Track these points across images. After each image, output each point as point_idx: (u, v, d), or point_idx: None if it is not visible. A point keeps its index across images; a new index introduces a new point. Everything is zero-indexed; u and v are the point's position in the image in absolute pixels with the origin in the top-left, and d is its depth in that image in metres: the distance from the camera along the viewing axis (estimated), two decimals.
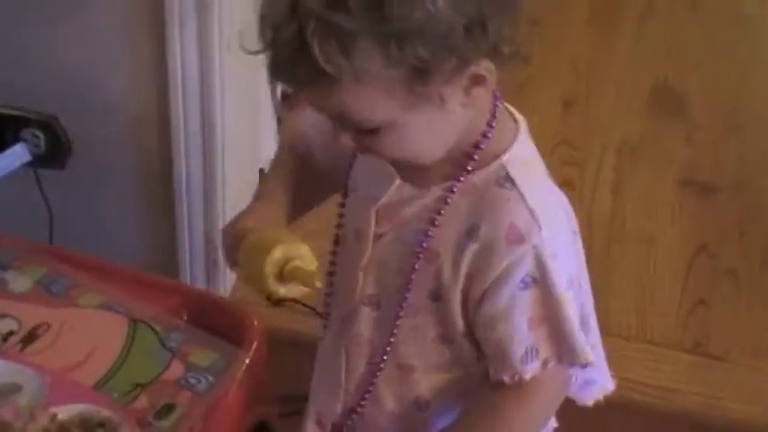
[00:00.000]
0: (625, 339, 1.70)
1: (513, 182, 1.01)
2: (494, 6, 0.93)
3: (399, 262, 1.07)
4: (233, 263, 1.09)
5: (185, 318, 1.27)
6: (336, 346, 1.13)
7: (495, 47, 0.94)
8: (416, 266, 1.04)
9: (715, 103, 2.24)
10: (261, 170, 1.94)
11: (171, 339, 1.22)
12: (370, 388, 1.11)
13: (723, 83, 2.29)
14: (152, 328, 1.23)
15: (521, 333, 1.03)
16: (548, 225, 1.01)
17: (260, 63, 1.89)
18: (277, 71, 0.93)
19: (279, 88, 2.02)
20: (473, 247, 1.01)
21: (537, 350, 1.03)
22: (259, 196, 1.15)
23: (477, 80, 0.95)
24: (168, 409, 1.15)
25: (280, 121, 2.00)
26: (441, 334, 1.07)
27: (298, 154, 1.14)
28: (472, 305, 1.04)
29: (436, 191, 1.03)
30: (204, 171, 1.60)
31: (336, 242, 1.13)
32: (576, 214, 1.07)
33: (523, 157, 1.04)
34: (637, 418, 1.61)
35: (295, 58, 0.88)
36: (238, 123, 1.64)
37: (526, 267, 1.01)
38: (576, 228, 1.09)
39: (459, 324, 1.06)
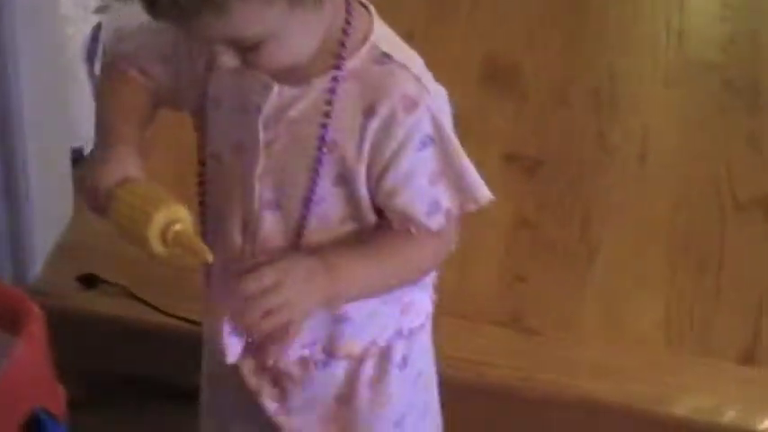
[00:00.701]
0: (441, 313, 1.73)
1: (389, 56, 1.08)
2: None
3: (299, 160, 1.11)
4: (101, 213, 1.08)
5: None
6: (242, 255, 1.15)
7: None
8: (321, 160, 1.09)
9: (545, 76, 2.24)
10: (76, 150, 1.91)
11: None
12: None
13: (554, 55, 2.28)
14: None
15: (422, 190, 1.09)
16: (431, 86, 1.09)
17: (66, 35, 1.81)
18: (161, 13, 0.97)
19: (97, 63, 1.98)
20: (374, 125, 1.07)
21: (438, 203, 1.10)
22: (111, 139, 1.14)
23: None
24: None
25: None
26: (348, 214, 1.13)
27: (136, 84, 1.15)
28: (375, 177, 1.09)
29: (318, 84, 1.08)
30: (4, 159, 1.57)
31: (203, 163, 1.16)
32: None
33: (387, 35, 1.10)
34: (450, 392, 1.64)
35: None
36: (42, 105, 1.61)
37: (423, 129, 1.07)
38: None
39: (366, 200, 1.11)
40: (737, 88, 2.21)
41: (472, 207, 1.13)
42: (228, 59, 1.02)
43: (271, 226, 1.14)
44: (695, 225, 1.96)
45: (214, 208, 1.17)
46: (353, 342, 1.21)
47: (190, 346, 1.59)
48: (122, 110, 1.15)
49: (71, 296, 1.69)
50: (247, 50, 1.02)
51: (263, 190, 1.13)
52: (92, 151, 1.87)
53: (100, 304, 1.71)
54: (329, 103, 1.08)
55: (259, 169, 1.12)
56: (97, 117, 1.20)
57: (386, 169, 1.09)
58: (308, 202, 1.12)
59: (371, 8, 1.12)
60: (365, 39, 1.09)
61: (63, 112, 1.73)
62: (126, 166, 1.09)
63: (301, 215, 1.13)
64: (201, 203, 1.17)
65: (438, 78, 1.15)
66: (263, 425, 1.27)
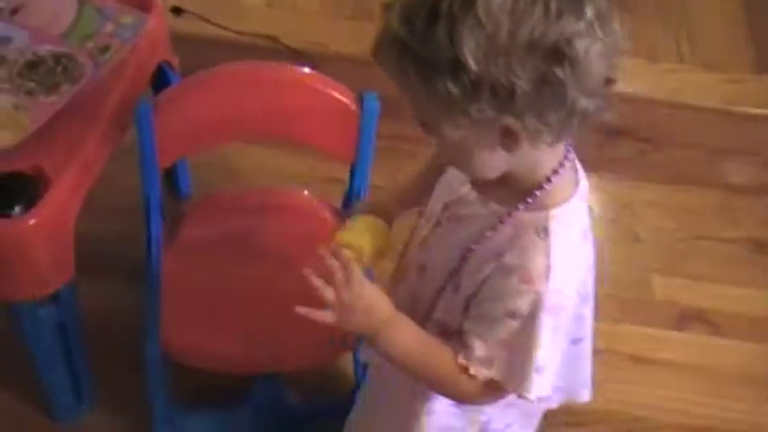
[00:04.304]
0: None
1: (548, 235, 1.04)
2: (529, 90, 0.94)
3: (444, 250, 1.14)
4: None
5: None
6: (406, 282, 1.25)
7: (520, 115, 0.95)
8: (461, 266, 1.12)
9: None
10: None
11: (105, 9, 1.75)
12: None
13: None
14: (92, 5, 1.76)
15: (489, 342, 1.09)
16: (558, 283, 1.04)
17: None
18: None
19: None
20: (493, 266, 1.07)
21: (492, 363, 1.09)
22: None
23: (508, 133, 0.98)
24: (106, 48, 1.68)
25: None
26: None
27: None
28: (470, 299, 1.12)
29: (490, 211, 1.09)
30: None
31: (421, 213, 1.24)
32: None
33: (568, 219, 1.06)
34: None
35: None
36: None
37: (521, 304, 1.05)
38: (590, 292, 1.16)
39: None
40: None
41: (513, 392, 1.10)
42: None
43: (414, 279, 1.21)
44: None
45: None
46: None
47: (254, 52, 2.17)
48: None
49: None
50: (423, 127, 1.03)
51: (417, 253, 1.21)
52: None
53: (183, 26, 2.25)
54: (484, 233, 1.08)
55: (425, 233, 1.19)
56: None
57: (479, 302, 1.09)
58: (440, 290, 1.15)
59: (582, 186, 1.09)
60: (548, 206, 1.05)
61: None
62: (380, 200, 1.31)
63: (434, 293, 1.17)
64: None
65: None
66: None
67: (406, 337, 1.14)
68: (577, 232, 1.08)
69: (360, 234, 1.26)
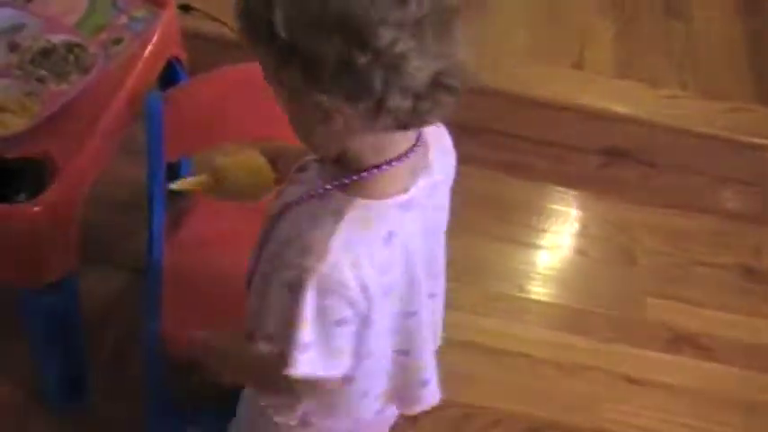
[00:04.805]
0: None
1: (341, 220, 1.03)
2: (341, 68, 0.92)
3: (276, 207, 1.17)
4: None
5: None
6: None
7: (329, 93, 0.94)
8: (274, 225, 1.14)
9: None
10: None
11: (119, 1, 1.78)
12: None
13: None
14: None
15: (273, 316, 1.09)
16: (330, 268, 1.02)
17: None
18: None
19: None
20: (289, 234, 1.09)
21: (272, 337, 1.10)
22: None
23: (321, 110, 0.96)
24: (118, 40, 1.73)
25: None
26: None
27: None
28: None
29: (311, 182, 1.10)
30: None
31: None
32: None
33: (370, 215, 1.05)
34: None
35: None
36: None
37: (292, 276, 1.04)
38: (415, 312, 1.16)
39: None
40: None
41: (284, 368, 1.09)
42: None
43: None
44: None
45: None
46: None
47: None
48: None
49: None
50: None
51: (274, 203, 1.21)
52: None
53: (191, 23, 2.30)
54: (301, 200, 1.10)
55: (281, 188, 1.22)
56: None
57: (268, 272, 1.10)
58: (263, 243, 1.17)
59: (411, 194, 1.07)
60: (359, 195, 1.04)
61: None
62: (289, 150, 1.33)
63: (261, 242, 1.19)
64: None
65: None
66: None
67: (229, 359, 1.23)
68: (379, 233, 1.05)
69: (232, 166, 1.31)
